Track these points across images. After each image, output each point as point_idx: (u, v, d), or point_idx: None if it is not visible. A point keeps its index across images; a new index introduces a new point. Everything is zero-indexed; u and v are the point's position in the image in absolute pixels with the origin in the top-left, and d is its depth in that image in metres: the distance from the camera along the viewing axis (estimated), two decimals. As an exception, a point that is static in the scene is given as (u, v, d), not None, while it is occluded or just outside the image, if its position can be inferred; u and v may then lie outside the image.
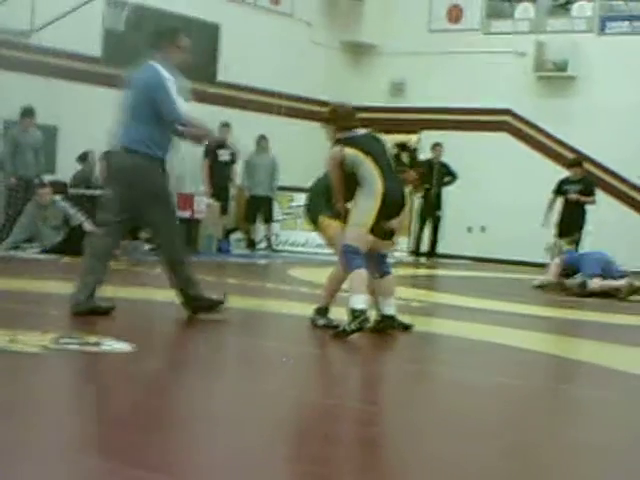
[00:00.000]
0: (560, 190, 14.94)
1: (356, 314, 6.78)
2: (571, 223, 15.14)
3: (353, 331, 6.78)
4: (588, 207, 14.87)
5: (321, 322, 7.33)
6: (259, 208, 16.65)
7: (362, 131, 7.33)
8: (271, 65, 17.59)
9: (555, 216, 15.00)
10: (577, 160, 15.56)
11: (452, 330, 8.12)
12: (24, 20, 13.87)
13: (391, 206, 7.07)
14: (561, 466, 4.10)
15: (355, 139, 7.23)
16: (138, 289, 9.25)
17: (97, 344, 5.88)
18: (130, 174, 7.09)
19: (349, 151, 7.15)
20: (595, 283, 12.11)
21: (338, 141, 7.26)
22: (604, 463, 4.18)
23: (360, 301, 6.82)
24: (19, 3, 13.60)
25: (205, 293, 7.28)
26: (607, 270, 12.37)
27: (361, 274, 6.92)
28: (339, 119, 7.44)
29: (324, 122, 7.55)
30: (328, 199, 7.40)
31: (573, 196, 14.65)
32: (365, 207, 7.01)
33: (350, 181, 7.12)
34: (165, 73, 7.07)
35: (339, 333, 6.83)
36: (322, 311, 7.40)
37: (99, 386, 5.02)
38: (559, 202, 14.89)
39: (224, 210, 15.91)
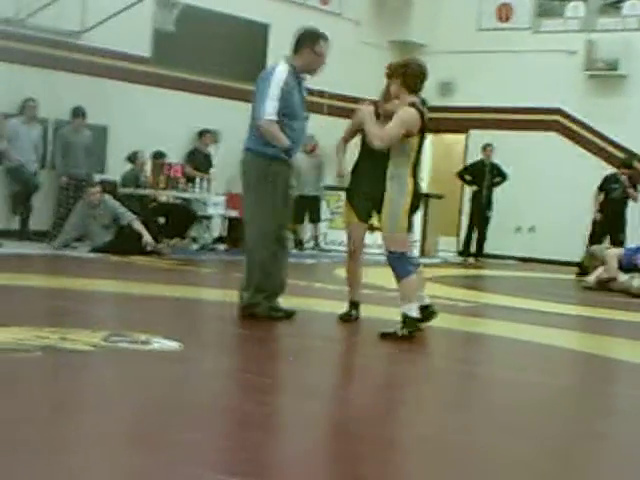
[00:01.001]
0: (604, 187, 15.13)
1: (409, 320, 6.81)
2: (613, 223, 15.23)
3: (404, 336, 6.79)
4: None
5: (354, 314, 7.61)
6: (307, 208, 16.66)
7: (418, 98, 6.89)
8: (320, 65, 17.58)
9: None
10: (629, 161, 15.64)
11: (499, 330, 8.09)
12: (75, 21, 14.00)
13: (416, 202, 6.92)
14: (604, 466, 4.07)
15: (422, 111, 6.83)
16: (187, 288, 9.29)
17: (146, 342, 5.92)
18: (243, 174, 7.37)
19: (418, 122, 6.76)
20: None
21: (412, 105, 6.78)
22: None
23: (414, 309, 6.85)
24: (70, 4, 13.73)
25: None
26: None
27: (413, 281, 6.92)
28: (409, 77, 6.91)
29: (390, 76, 7.07)
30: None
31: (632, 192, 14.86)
32: (401, 206, 6.82)
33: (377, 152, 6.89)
34: (281, 73, 7.11)
35: (389, 334, 6.82)
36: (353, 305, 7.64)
37: (146, 384, 5.05)
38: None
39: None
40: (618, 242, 15.11)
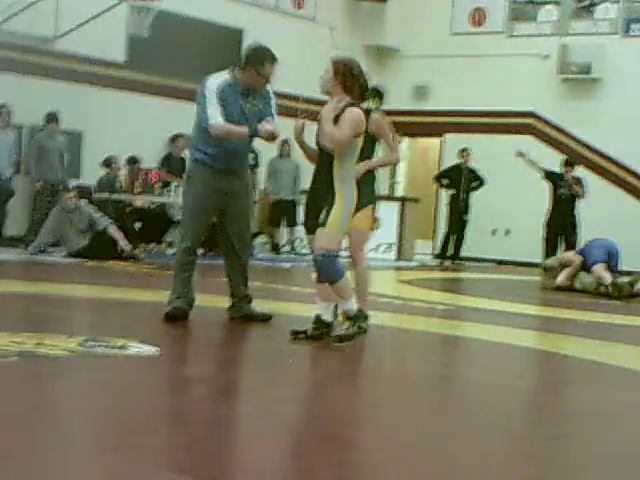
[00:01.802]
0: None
1: (355, 316, 6.58)
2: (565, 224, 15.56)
3: (356, 334, 6.60)
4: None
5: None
6: (283, 212, 16.69)
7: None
8: (293, 69, 17.60)
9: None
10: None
11: (474, 333, 8.13)
12: (49, 26, 13.96)
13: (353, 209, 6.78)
14: (588, 467, 4.10)
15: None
16: (164, 293, 9.27)
17: (123, 347, 5.91)
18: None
19: (364, 122, 6.58)
20: (597, 270, 12.38)
21: (353, 104, 6.57)
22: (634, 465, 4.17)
23: (353, 302, 6.59)
24: (43, 9, 13.69)
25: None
26: (611, 259, 12.67)
27: (347, 281, 6.68)
28: (351, 79, 6.64)
29: (334, 73, 6.63)
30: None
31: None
32: (348, 212, 6.52)
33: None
34: (213, 83, 7.19)
35: (341, 338, 6.55)
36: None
37: (123, 389, 5.04)
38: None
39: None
40: (572, 243, 15.35)
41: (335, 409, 4.91)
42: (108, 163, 14.50)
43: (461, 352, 7.57)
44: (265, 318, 7.50)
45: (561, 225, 15.85)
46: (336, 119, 6.50)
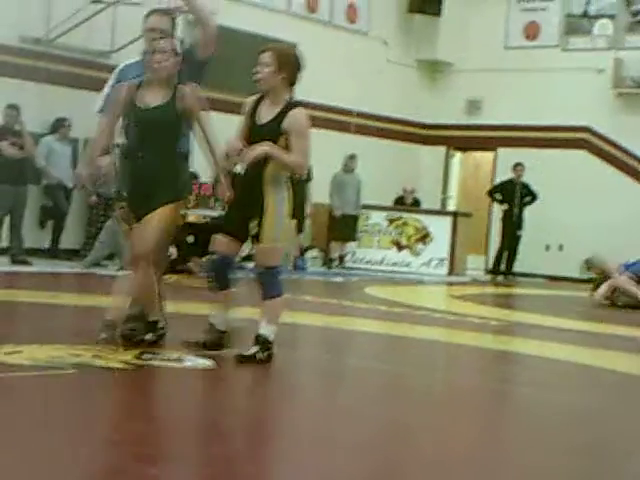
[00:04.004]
0: None
1: (268, 343, 6.13)
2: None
3: (261, 360, 6.08)
4: None
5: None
6: (346, 227, 16.68)
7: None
8: (347, 83, 17.65)
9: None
10: None
11: (528, 349, 8.08)
12: (105, 40, 14.12)
13: (299, 212, 6.36)
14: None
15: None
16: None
17: (179, 360, 5.94)
18: None
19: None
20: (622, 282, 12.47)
21: (297, 104, 6.10)
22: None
23: (274, 333, 6.16)
24: (100, 24, 13.85)
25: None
26: None
27: (284, 301, 6.31)
28: (293, 70, 6.11)
29: (278, 66, 6.05)
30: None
31: None
32: (285, 217, 6.12)
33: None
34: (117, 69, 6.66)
35: (247, 358, 6.05)
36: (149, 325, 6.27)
37: (175, 401, 5.07)
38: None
39: (300, 228, 15.96)
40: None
41: (397, 427, 4.90)
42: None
43: (514, 368, 7.51)
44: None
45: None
46: (277, 125, 6.00)
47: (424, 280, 15.92)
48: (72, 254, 13.48)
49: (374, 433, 4.73)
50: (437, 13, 18.96)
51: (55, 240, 13.61)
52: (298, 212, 15.73)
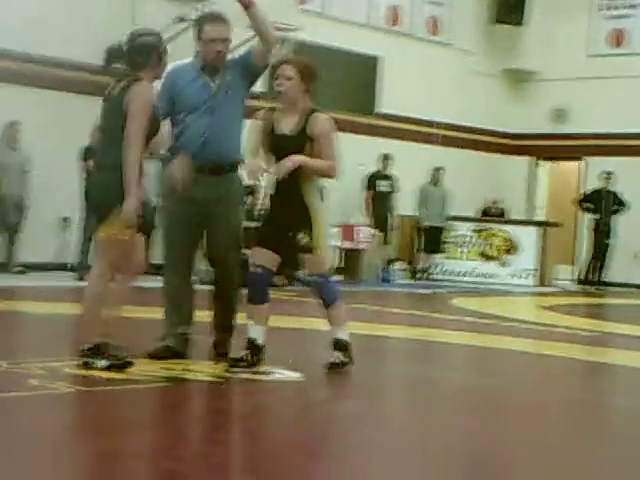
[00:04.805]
0: None
1: (348, 345, 6.18)
2: None
3: (345, 364, 6.16)
4: None
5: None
6: (433, 238, 16.64)
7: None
8: (430, 95, 17.60)
9: None
10: None
11: (621, 359, 7.94)
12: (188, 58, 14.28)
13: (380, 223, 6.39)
14: None
15: None
16: (304, 319, 9.35)
17: (267, 373, 5.97)
18: None
19: None
20: None
21: (316, 110, 6.14)
22: None
23: (348, 335, 6.22)
24: (184, 43, 14.00)
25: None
26: None
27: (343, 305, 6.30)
28: (313, 81, 6.16)
29: (300, 78, 6.08)
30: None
31: None
32: (324, 220, 6.20)
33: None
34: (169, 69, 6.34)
35: (334, 365, 6.10)
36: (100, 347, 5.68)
37: (272, 413, 5.10)
38: None
39: (385, 240, 15.97)
40: None
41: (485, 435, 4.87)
42: (251, 191, 14.68)
43: (606, 379, 7.39)
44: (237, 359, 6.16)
45: None
46: (301, 134, 6.04)
47: (512, 291, 15.77)
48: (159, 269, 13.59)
49: (481, 447, 4.69)
50: (520, 22, 18.83)
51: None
52: (381, 224, 15.89)
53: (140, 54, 5.75)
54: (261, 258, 6.10)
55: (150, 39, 5.84)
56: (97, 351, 5.61)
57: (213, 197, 6.12)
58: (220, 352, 6.28)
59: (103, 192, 5.71)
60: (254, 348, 6.08)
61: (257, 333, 6.11)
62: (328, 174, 6.19)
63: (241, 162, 6.28)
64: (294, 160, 5.96)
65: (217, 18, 6.23)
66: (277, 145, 6.10)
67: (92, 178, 5.80)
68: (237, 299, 6.35)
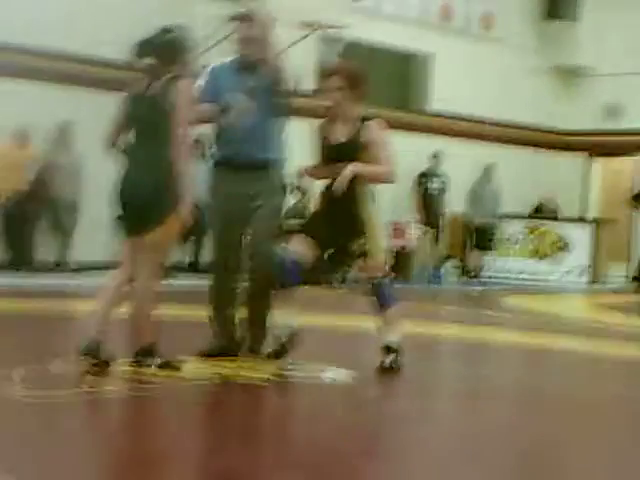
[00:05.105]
0: None
1: (399, 351, 6.23)
2: None
3: (398, 367, 6.20)
4: None
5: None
6: (484, 236, 16.55)
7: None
8: (483, 92, 17.50)
9: None
10: None
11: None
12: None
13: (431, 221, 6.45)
14: None
15: None
16: (359, 317, 9.36)
17: (320, 372, 6.00)
18: None
19: None
20: None
21: (368, 117, 6.19)
22: None
23: (400, 339, 6.26)
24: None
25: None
26: None
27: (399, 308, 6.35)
28: (362, 88, 6.22)
29: (349, 84, 6.16)
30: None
31: None
32: (379, 222, 6.33)
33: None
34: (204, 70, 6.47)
35: (387, 369, 6.15)
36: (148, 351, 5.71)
37: (326, 413, 5.13)
38: None
39: (436, 239, 15.92)
40: None
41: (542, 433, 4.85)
42: (301, 191, 14.70)
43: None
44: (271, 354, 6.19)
45: None
46: (355, 141, 6.12)
47: (566, 289, 15.65)
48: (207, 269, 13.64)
49: (534, 446, 4.68)
50: (573, 18, 18.67)
51: (195, 255, 13.82)
52: (432, 222, 15.85)
53: (171, 50, 5.74)
54: (301, 246, 6.12)
55: (180, 35, 5.83)
56: (150, 351, 5.66)
57: (252, 192, 6.17)
58: (253, 349, 6.26)
59: (155, 194, 5.67)
60: (290, 334, 6.07)
61: (290, 318, 6.10)
62: (385, 179, 6.23)
63: (281, 160, 6.36)
64: (350, 170, 6.00)
65: (246, 17, 6.23)
66: (331, 153, 6.18)
67: (131, 176, 5.75)
68: (272, 296, 6.24)
